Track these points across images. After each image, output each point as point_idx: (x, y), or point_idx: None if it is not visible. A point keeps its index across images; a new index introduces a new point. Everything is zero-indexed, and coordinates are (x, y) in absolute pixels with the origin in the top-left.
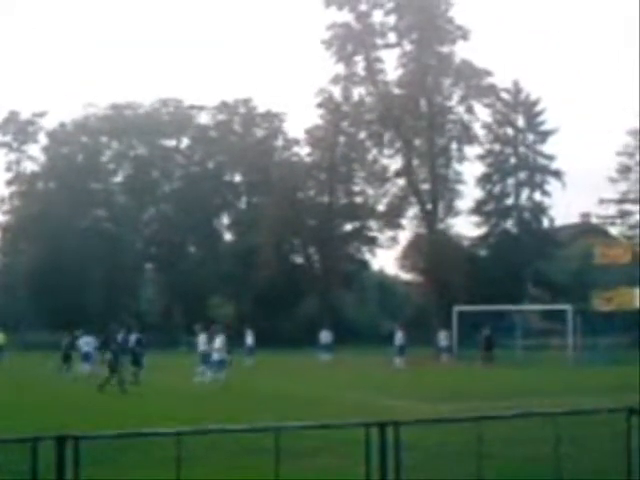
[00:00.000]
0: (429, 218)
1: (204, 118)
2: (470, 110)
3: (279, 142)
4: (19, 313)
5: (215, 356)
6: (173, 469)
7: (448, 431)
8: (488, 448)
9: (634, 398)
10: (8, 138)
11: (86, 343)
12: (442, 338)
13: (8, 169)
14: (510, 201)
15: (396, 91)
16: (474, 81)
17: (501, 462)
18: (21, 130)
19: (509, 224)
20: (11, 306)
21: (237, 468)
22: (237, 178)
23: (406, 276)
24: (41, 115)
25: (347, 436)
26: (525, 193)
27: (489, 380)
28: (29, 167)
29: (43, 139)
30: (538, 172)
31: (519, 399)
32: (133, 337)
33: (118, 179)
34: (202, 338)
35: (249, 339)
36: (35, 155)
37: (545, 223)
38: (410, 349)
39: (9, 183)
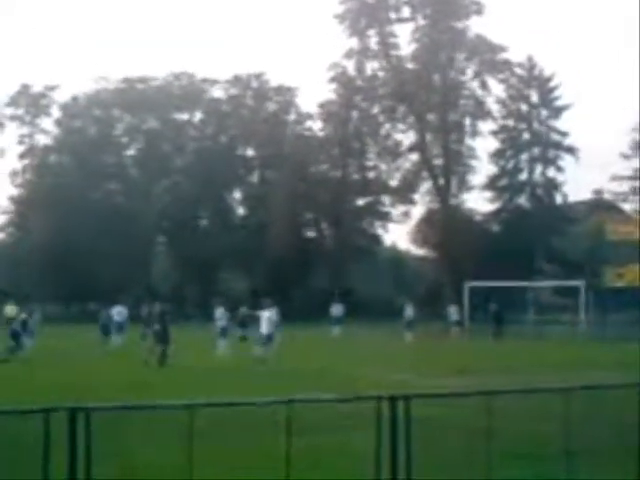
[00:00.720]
0: (442, 193)
1: (217, 92)
2: (484, 85)
3: (292, 116)
4: (31, 286)
5: (264, 329)
6: (185, 442)
7: (458, 405)
8: (498, 423)
9: None
10: (20, 111)
11: (118, 313)
12: (452, 312)
13: (20, 142)
14: (523, 177)
15: (409, 66)
16: (488, 56)
17: (511, 437)
18: (33, 103)
19: (522, 200)
20: (23, 279)
21: (248, 441)
22: (249, 152)
23: (418, 251)
24: (53, 88)
25: (357, 410)
26: (538, 169)
27: (500, 355)
28: (42, 140)
29: (56, 112)
30: (551, 148)
31: (530, 374)
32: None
33: (130, 152)
34: (219, 312)
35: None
36: (48, 128)
37: (558, 199)
38: (421, 324)
39: (22, 156)
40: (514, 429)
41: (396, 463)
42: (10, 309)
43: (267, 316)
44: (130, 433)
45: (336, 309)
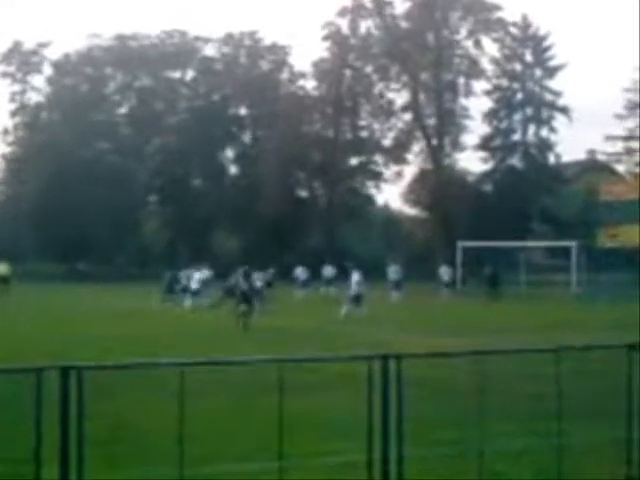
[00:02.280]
0: (435, 153)
1: (209, 50)
2: (478, 45)
3: (285, 75)
4: (22, 244)
5: (353, 290)
6: (176, 401)
7: (450, 365)
8: (489, 383)
9: (635, 335)
10: (12, 69)
11: (196, 278)
12: (443, 273)
13: (12, 100)
14: (516, 137)
15: (403, 25)
16: (482, 15)
17: (502, 397)
18: (25, 61)
19: (515, 160)
20: (14, 237)
21: (240, 400)
22: (242, 111)
23: (411, 211)
24: (45, 45)
25: (349, 369)
26: (532, 129)
27: (491, 315)
28: (33, 98)
29: (47, 70)
30: (545, 108)
31: (521, 334)
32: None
33: (122, 111)
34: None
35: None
36: (39, 86)
37: (551, 159)
38: (413, 284)
39: (13, 114)
40: (506, 389)
41: (387, 422)
42: (3, 267)
43: (356, 278)
44: (123, 391)
45: (327, 271)
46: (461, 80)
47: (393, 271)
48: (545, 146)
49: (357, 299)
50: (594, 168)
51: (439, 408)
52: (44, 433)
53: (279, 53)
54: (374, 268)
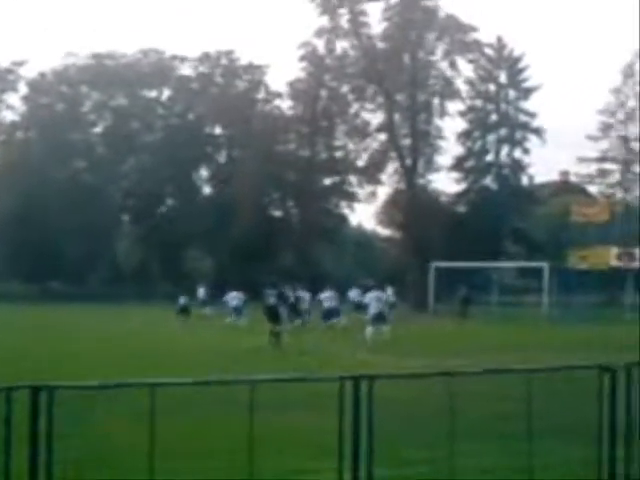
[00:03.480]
0: (409, 174)
1: (186, 69)
2: (453, 65)
3: (261, 95)
4: None
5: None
6: (147, 421)
7: (421, 386)
8: (460, 404)
9: (606, 356)
10: None
11: (233, 298)
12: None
13: None
14: (490, 158)
15: (380, 45)
16: (458, 36)
17: (473, 418)
18: (0, 79)
19: (488, 181)
20: None
21: (211, 420)
22: (217, 130)
23: (384, 231)
24: (21, 64)
25: (321, 389)
26: (505, 150)
27: (463, 336)
28: (8, 116)
29: (23, 88)
30: (519, 129)
31: (493, 355)
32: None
33: (98, 130)
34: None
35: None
36: (14, 104)
37: (524, 180)
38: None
39: None
40: (476, 410)
41: (358, 444)
42: None
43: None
44: (94, 412)
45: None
46: (436, 101)
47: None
48: (518, 167)
49: (379, 318)
50: (567, 189)
51: (410, 429)
52: (13, 453)
53: (255, 73)
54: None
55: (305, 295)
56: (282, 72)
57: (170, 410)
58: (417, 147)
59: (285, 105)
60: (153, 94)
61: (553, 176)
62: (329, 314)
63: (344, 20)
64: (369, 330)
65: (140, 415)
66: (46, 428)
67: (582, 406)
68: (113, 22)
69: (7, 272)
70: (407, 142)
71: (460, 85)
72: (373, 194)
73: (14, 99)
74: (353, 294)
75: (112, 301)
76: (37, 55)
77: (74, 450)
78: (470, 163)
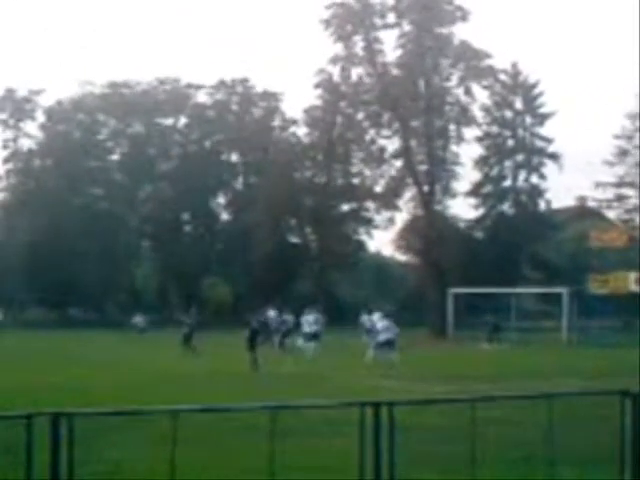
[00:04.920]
0: (426, 200)
1: (202, 97)
2: (468, 92)
3: (277, 122)
4: (14, 290)
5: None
6: (169, 447)
7: (442, 412)
8: (481, 429)
9: (627, 381)
10: (5, 115)
11: (310, 321)
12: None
13: (5, 146)
14: (507, 183)
15: (395, 72)
16: (473, 63)
17: (494, 444)
18: (18, 107)
19: (506, 206)
20: (6, 283)
21: (233, 447)
22: (234, 157)
23: (402, 257)
24: (38, 93)
25: (341, 416)
26: (522, 175)
27: (483, 362)
28: (26, 144)
29: (40, 117)
30: (535, 155)
31: (513, 381)
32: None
33: (115, 157)
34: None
35: None
36: (32, 133)
37: (542, 206)
38: (404, 331)
39: (6, 160)
40: (498, 436)
41: (379, 470)
42: None
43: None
44: (114, 438)
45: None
46: (452, 127)
47: (365, 319)
48: (535, 193)
49: (388, 344)
50: (584, 214)
51: (430, 454)
52: None
53: (271, 100)
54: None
55: (289, 318)
56: (298, 99)
57: (189, 436)
58: (434, 173)
59: (301, 132)
60: (169, 122)
61: (570, 201)
62: (310, 338)
63: (359, 47)
64: (369, 353)
65: (160, 441)
66: (67, 455)
67: (603, 432)
68: (129, 51)
69: (27, 299)
70: (424, 168)
71: (476, 111)
72: (391, 220)
73: (31, 127)
74: (364, 319)
75: (130, 327)
76: (54, 84)
77: (95, 477)
78: (487, 189)
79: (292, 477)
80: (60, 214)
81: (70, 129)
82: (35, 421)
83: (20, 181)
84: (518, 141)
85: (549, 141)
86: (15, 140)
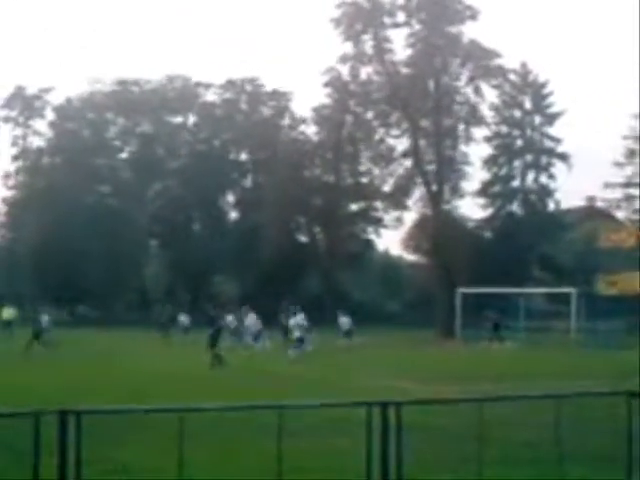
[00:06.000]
0: (435, 199)
1: (211, 96)
2: (478, 91)
3: (286, 121)
4: (22, 288)
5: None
6: (175, 446)
7: (449, 412)
8: (489, 430)
9: (635, 382)
10: (14, 113)
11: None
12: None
13: (14, 144)
14: (516, 183)
15: (404, 71)
16: (482, 62)
17: (502, 444)
18: (27, 105)
19: (514, 206)
20: (15, 281)
21: (239, 446)
22: (243, 156)
23: (411, 257)
24: (47, 90)
25: (348, 415)
26: (531, 176)
27: (491, 362)
28: (35, 142)
29: (49, 114)
30: (544, 155)
31: (521, 381)
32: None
33: (124, 155)
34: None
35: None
36: (41, 130)
37: (550, 206)
38: (413, 331)
39: (15, 158)
40: (505, 436)
41: (387, 470)
42: (7, 312)
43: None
44: (121, 436)
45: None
46: (461, 126)
47: (343, 320)
48: (544, 193)
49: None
50: (593, 215)
51: (438, 454)
52: (42, 477)
53: (280, 99)
54: (373, 313)
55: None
56: (307, 98)
57: (198, 435)
58: (443, 173)
59: (310, 131)
60: (178, 120)
61: (579, 201)
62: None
63: (368, 46)
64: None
65: (168, 439)
66: (75, 452)
67: (611, 432)
68: (138, 49)
69: (36, 297)
70: (432, 168)
71: (485, 111)
72: (399, 219)
73: (41, 125)
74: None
75: (138, 326)
76: (63, 82)
77: (102, 474)
78: (496, 189)
79: (299, 478)
80: (69, 212)
81: (79, 127)
82: (43, 419)
83: (29, 179)
84: (527, 141)
85: (558, 141)
86: (25, 138)
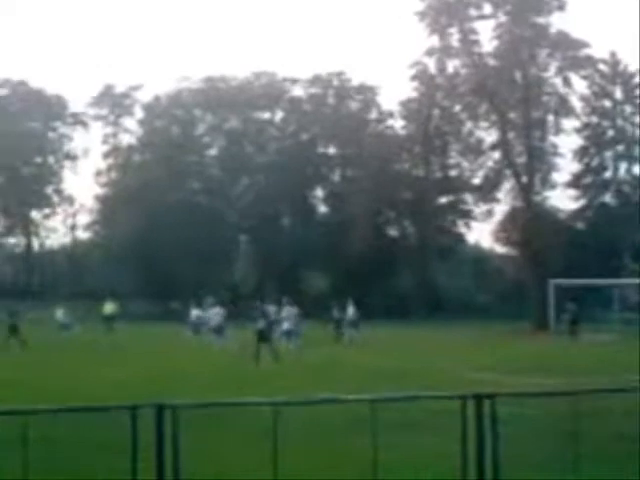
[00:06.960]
0: (525, 191)
1: (297, 91)
2: (567, 82)
3: (373, 115)
4: (119, 283)
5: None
6: (269, 440)
7: (544, 405)
8: (584, 423)
9: None
10: (104, 111)
11: (216, 314)
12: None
13: (105, 142)
14: (608, 174)
15: (491, 63)
16: (570, 52)
17: (597, 438)
18: (117, 103)
19: (607, 197)
20: (110, 277)
21: (333, 440)
22: (331, 150)
23: (502, 249)
24: (136, 88)
25: (442, 408)
26: (623, 166)
27: (585, 354)
28: (125, 140)
29: (138, 112)
30: (636, 145)
31: (616, 374)
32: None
33: (212, 152)
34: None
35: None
36: (131, 128)
37: None
38: (505, 323)
39: (106, 156)
40: (600, 430)
41: (483, 463)
42: (109, 307)
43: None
44: (217, 430)
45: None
46: (550, 118)
47: (350, 311)
48: (637, 183)
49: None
50: None
51: (533, 449)
52: (140, 472)
53: (367, 93)
54: (464, 306)
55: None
56: (394, 92)
57: (290, 429)
58: (532, 164)
59: (398, 125)
60: (266, 116)
61: None
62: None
63: (454, 39)
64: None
65: (261, 434)
66: (172, 447)
67: None
68: (225, 46)
69: (132, 292)
70: (522, 160)
71: (574, 102)
72: (489, 212)
73: (130, 123)
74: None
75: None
76: (152, 79)
77: (200, 469)
78: (587, 180)
79: (391, 476)
80: (159, 208)
81: (168, 124)
82: (140, 413)
83: (120, 176)
84: (618, 131)
85: None
86: (115, 136)
